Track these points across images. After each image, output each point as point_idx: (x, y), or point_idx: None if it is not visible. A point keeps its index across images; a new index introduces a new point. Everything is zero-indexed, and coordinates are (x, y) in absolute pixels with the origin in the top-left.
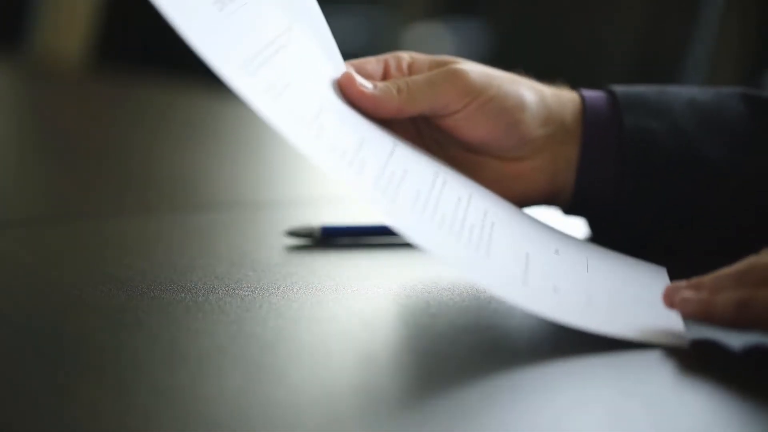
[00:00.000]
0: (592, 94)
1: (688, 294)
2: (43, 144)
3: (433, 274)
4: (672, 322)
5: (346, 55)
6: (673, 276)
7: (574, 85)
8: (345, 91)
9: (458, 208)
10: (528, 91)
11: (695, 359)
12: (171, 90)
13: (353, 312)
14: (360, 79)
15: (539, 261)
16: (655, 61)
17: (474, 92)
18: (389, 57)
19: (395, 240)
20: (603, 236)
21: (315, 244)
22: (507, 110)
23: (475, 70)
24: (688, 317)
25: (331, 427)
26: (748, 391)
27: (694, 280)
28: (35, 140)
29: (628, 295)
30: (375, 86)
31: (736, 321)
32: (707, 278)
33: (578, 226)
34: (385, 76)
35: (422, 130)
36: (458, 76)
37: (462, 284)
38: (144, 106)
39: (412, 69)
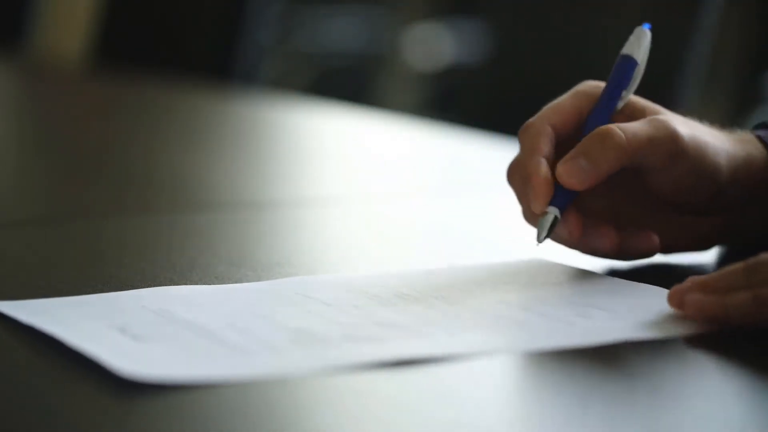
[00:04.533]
0: None
1: (697, 296)
2: (43, 144)
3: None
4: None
5: (346, 55)
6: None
7: (571, 85)
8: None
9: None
10: (722, 156)
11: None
12: (171, 90)
13: None
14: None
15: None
16: (655, 61)
17: (685, 157)
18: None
19: None
20: None
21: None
22: (707, 176)
23: (686, 133)
24: (702, 319)
25: (330, 425)
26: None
27: (698, 279)
28: (35, 140)
29: (604, 299)
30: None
31: (755, 320)
32: (712, 278)
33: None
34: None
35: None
36: (676, 140)
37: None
38: (144, 106)
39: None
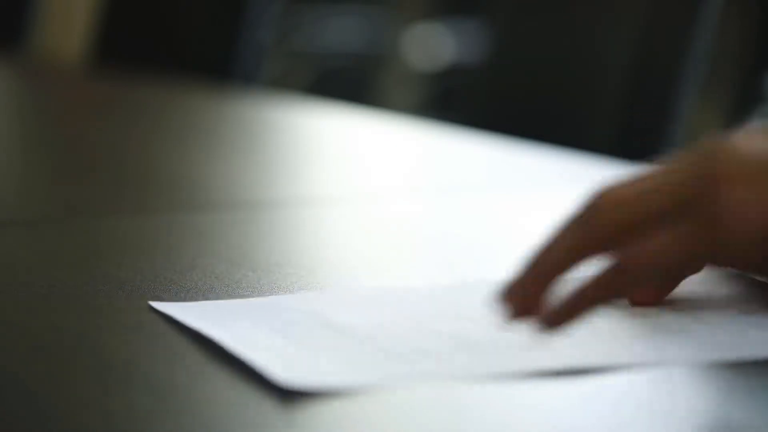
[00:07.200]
0: None
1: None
2: (42, 144)
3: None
4: None
5: (346, 55)
6: None
7: (571, 85)
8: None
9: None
10: None
11: None
12: (171, 90)
13: None
14: None
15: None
16: (655, 61)
17: None
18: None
19: None
20: None
21: None
22: None
23: None
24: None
25: (330, 426)
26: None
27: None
28: (35, 140)
29: None
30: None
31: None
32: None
33: None
34: None
35: None
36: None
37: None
38: (144, 106)
39: None
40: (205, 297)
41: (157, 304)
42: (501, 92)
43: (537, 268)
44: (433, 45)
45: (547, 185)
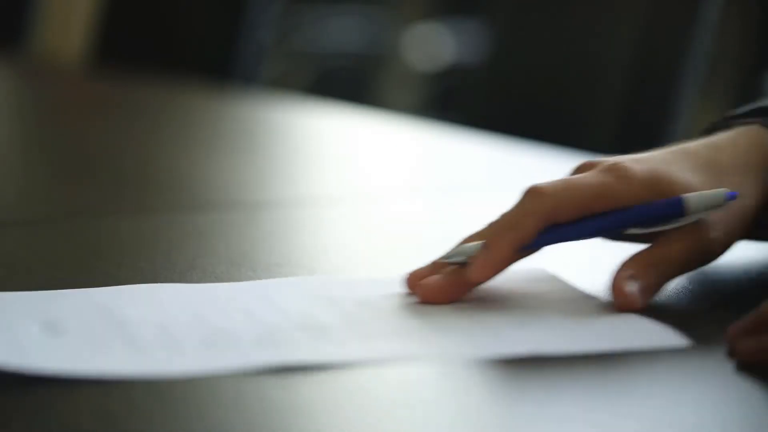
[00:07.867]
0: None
1: (752, 342)
2: (42, 144)
3: None
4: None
5: (346, 55)
6: None
7: (571, 85)
8: None
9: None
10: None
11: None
12: (170, 90)
13: None
14: None
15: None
16: (655, 61)
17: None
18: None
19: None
20: None
21: None
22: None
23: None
24: (756, 363)
25: (337, 425)
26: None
27: (749, 322)
28: (35, 140)
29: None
30: None
31: None
32: (755, 319)
33: None
34: None
35: None
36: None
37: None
38: (144, 106)
39: None
40: None
41: None
42: (501, 92)
43: None
44: (433, 45)
45: None
